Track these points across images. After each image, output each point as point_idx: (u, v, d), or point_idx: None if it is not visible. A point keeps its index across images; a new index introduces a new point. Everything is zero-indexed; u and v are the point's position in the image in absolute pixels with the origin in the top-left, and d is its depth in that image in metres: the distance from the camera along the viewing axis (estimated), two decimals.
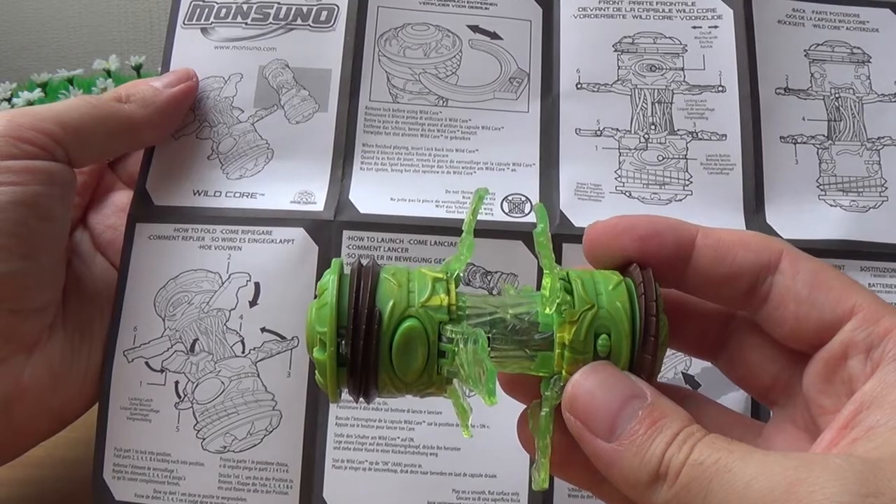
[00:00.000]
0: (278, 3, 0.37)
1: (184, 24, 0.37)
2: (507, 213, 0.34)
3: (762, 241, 0.23)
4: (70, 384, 0.31)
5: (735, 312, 0.25)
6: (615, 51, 0.37)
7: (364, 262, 0.23)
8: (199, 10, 0.37)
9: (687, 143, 0.36)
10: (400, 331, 0.22)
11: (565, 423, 0.22)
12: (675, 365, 0.32)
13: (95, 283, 0.33)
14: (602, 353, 0.22)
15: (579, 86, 0.36)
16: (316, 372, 0.23)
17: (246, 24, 0.37)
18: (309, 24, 0.36)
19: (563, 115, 0.36)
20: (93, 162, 0.34)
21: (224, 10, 0.37)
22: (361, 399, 0.23)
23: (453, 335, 0.22)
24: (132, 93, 0.34)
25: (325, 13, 0.36)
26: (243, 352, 0.31)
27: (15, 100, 0.83)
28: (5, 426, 0.30)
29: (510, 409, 0.27)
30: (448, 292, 0.22)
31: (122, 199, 0.36)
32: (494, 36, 0.37)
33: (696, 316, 0.26)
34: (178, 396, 0.31)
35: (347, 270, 0.23)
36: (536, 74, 0.36)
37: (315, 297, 0.23)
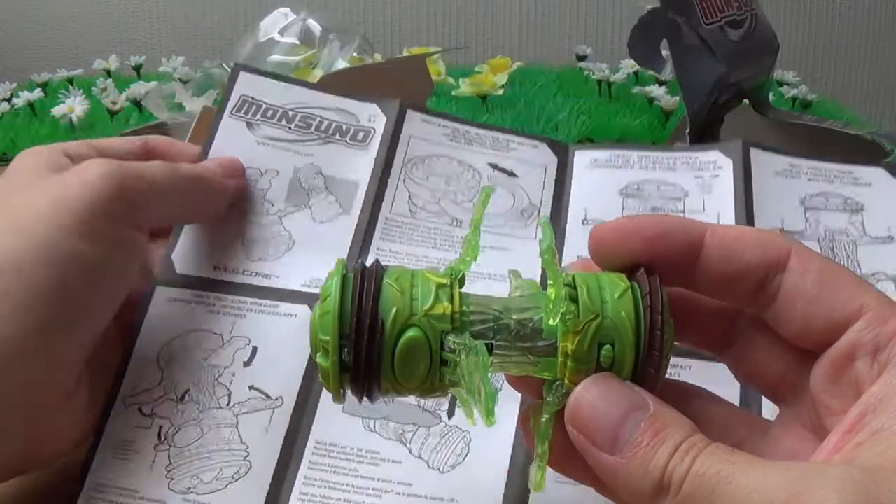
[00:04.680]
0: (321, 117, 0.40)
1: (231, 113, 0.39)
2: None
3: (771, 238, 0.23)
4: (87, 422, 0.31)
5: (743, 309, 0.25)
6: (621, 195, 0.39)
7: (369, 263, 0.23)
8: (247, 104, 0.39)
9: None
10: (402, 341, 0.22)
11: (569, 436, 0.22)
12: None
13: (114, 335, 0.33)
14: (605, 364, 0.22)
15: (585, 222, 0.38)
16: (319, 374, 0.23)
17: (289, 128, 0.39)
18: (346, 140, 0.39)
19: (567, 245, 0.37)
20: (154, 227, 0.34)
21: (271, 112, 0.39)
22: (365, 399, 0.23)
23: (455, 346, 0.22)
24: (203, 176, 0.35)
25: (361, 133, 0.39)
26: (228, 404, 0.32)
27: (15, 100, 0.83)
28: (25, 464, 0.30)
29: (480, 485, 0.29)
30: (452, 299, 0.22)
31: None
32: (511, 174, 0.40)
33: (702, 312, 0.25)
34: (159, 439, 0.31)
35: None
36: (546, 209, 0.39)
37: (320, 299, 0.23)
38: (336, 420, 0.31)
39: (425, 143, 0.40)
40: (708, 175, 0.38)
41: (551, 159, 0.41)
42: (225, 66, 0.74)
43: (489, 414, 0.21)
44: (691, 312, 0.25)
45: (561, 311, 0.22)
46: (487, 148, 0.40)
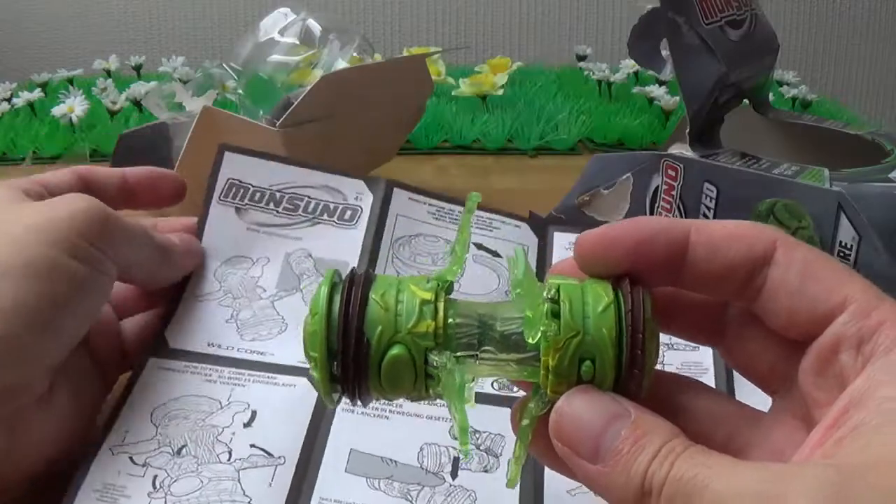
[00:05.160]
0: (308, 198, 0.40)
1: (220, 199, 0.40)
2: (496, 390, 0.36)
3: (755, 232, 0.22)
4: (68, 432, 0.32)
5: (732, 302, 0.25)
6: None
7: (358, 273, 0.24)
8: (234, 188, 0.40)
9: (663, 352, 0.37)
10: (387, 359, 0.22)
11: (554, 448, 0.22)
12: None
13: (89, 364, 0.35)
14: (586, 378, 0.22)
15: None
16: (311, 374, 0.24)
17: (277, 212, 0.40)
18: (334, 220, 0.40)
19: None
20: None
21: (258, 195, 0.40)
22: (358, 402, 0.24)
23: (437, 364, 0.22)
24: (167, 248, 0.36)
25: (349, 212, 0.40)
26: (229, 460, 0.32)
27: (15, 100, 0.83)
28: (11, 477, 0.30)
29: None
30: (435, 314, 0.23)
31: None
32: (495, 254, 0.41)
33: (693, 305, 0.25)
34: (154, 487, 0.31)
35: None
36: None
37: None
38: (340, 479, 0.31)
39: (412, 221, 0.41)
40: None
41: (532, 239, 0.42)
42: (225, 66, 0.73)
43: (462, 433, 0.22)
44: (682, 306, 0.25)
45: (541, 329, 0.22)
46: (472, 226, 0.41)
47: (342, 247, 0.39)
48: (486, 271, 0.40)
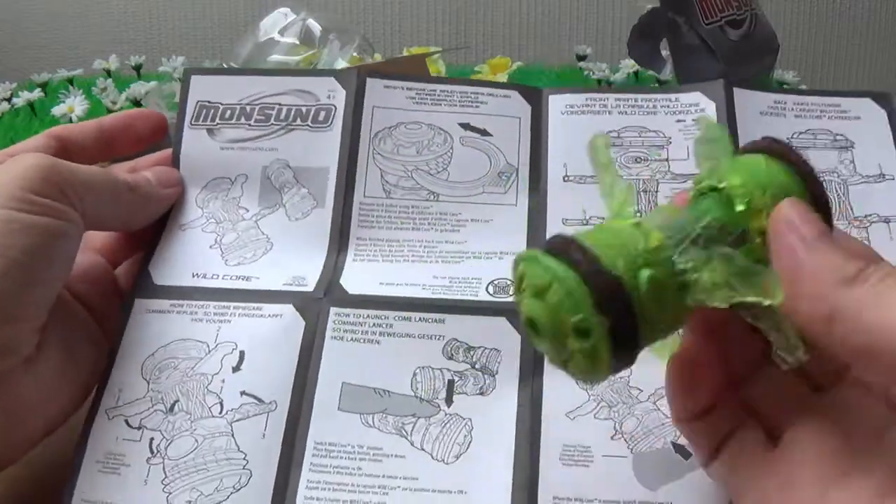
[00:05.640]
0: (279, 105, 0.39)
1: (191, 124, 0.39)
2: (491, 295, 0.34)
3: None
4: (63, 393, 0.32)
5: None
6: None
7: (556, 241, 0.23)
8: (205, 110, 0.39)
9: None
10: (642, 283, 0.22)
11: (772, 226, 0.23)
12: (664, 435, 0.31)
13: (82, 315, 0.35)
14: None
15: (566, 178, 0.37)
16: (570, 368, 0.23)
17: (249, 125, 0.39)
18: (308, 124, 0.38)
19: (550, 206, 0.37)
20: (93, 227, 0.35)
21: (228, 112, 0.39)
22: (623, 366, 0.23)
23: (689, 264, 0.22)
24: (139, 185, 0.35)
25: (323, 113, 0.39)
26: (221, 412, 0.32)
27: (15, 100, 0.83)
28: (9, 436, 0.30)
29: (486, 474, 0.30)
30: (650, 232, 0.23)
31: (93, 238, 0.37)
32: (484, 133, 0.38)
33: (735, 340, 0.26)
34: (151, 452, 0.31)
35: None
36: (525, 168, 0.38)
37: (518, 290, 0.23)
38: (333, 418, 0.31)
39: (390, 111, 0.39)
40: (690, 118, 0.38)
41: (524, 108, 0.39)
42: (225, 66, 0.74)
43: (776, 287, 0.22)
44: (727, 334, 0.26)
45: (747, 197, 0.23)
46: (456, 105, 0.39)
47: (319, 152, 0.38)
48: (476, 154, 0.38)
